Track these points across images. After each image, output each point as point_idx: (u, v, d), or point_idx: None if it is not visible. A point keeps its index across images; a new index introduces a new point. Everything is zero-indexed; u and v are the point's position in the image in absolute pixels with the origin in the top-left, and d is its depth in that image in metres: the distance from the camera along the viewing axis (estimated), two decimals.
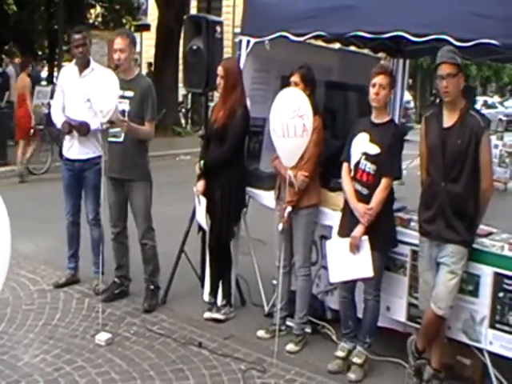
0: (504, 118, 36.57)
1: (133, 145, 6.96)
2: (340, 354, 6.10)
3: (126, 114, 6.85)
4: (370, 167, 5.75)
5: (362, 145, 5.81)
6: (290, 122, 5.66)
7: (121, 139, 6.94)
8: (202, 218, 6.98)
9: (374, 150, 5.72)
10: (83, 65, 7.42)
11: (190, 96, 26.81)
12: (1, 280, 3.42)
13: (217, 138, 6.72)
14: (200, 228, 7.28)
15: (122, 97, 6.86)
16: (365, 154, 5.77)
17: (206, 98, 8.21)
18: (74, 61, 7.62)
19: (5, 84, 18.71)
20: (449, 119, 5.36)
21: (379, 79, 5.71)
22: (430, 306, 5.39)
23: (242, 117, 6.63)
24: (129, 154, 6.97)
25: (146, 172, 7.14)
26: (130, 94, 6.93)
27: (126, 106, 6.88)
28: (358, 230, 5.73)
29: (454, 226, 5.31)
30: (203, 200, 6.83)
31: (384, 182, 5.70)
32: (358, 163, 5.83)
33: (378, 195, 5.68)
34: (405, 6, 5.70)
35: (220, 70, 6.67)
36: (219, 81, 6.68)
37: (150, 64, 22.16)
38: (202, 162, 6.78)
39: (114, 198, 7.21)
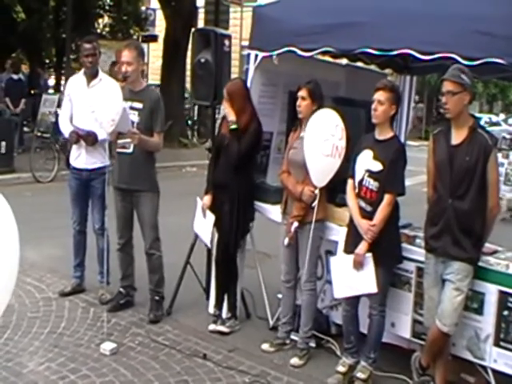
0: (508, 136, 36.50)
1: (142, 156, 6.99)
2: (341, 368, 6.10)
3: (135, 125, 6.88)
4: (372, 184, 5.76)
5: (365, 162, 5.83)
6: (339, 144, 5.81)
7: (130, 150, 6.97)
8: (204, 231, 6.98)
9: (377, 167, 5.74)
10: (92, 75, 7.47)
11: (196, 108, 26.85)
12: (10, 289, 3.45)
13: (226, 151, 6.75)
14: None
15: (131, 108, 6.91)
16: (368, 171, 5.79)
17: (213, 110, 8.26)
18: (82, 70, 7.66)
19: (21, 91, 18.84)
20: (457, 137, 5.39)
21: (378, 95, 5.74)
22: (435, 323, 5.41)
23: (254, 130, 6.69)
24: (138, 165, 7.01)
25: (153, 183, 7.18)
26: (139, 105, 6.97)
27: (134, 117, 6.92)
28: (362, 247, 5.74)
29: (461, 242, 5.33)
30: (210, 215, 6.86)
31: (387, 198, 5.70)
32: (361, 180, 5.85)
33: (381, 212, 5.69)
34: (413, 24, 5.72)
35: (225, 92, 6.74)
36: (224, 103, 6.74)
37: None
38: (234, 125, 6.69)
39: (121, 208, 7.23)
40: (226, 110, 6.74)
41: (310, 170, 5.97)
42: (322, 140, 5.83)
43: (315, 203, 6.04)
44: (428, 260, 5.60)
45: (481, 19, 5.37)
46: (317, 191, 6.07)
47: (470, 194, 5.29)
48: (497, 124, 39.27)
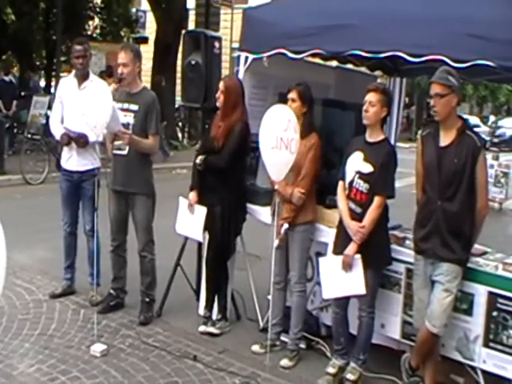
0: (488, 138, 36.24)
1: (137, 158, 7.00)
2: (331, 370, 6.12)
3: (131, 127, 6.90)
4: (363, 186, 5.78)
5: (356, 163, 5.85)
6: (284, 135, 5.79)
7: (125, 152, 6.98)
8: (194, 228, 6.91)
9: (367, 168, 5.76)
10: (82, 76, 7.45)
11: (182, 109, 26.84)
12: None
13: (215, 154, 6.75)
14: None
15: (127, 110, 6.96)
16: (358, 172, 5.80)
17: (204, 112, 8.26)
18: (73, 72, 7.65)
19: (12, 92, 18.84)
20: (445, 138, 5.42)
21: (369, 96, 5.76)
22: (425, 324, 5.43)
23: (240, 131, 6.68)
24: (132, 167, 7.01)
25: (149, 186, 7.17)
26: (134, 107, 6.98)
27: (130, 119, 6.94)
28: (351, 249, 5.75)
29: (450, 244, 5.35)
30: (200, 209, 6.83)
31: (377, 200, 5.72)
32: (352, 182, 5.86)
33: (371, 214, 5.71)
34: (402, 26, 5.75)
35: (221, 85, 6.73)
36: (219, 95, 6.73)
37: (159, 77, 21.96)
38: (202, 157, 6.78)
39: (115, 210, 7.23)
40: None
41: (265, 165, 6.04)
42: (267, 134, 5.91)
43: (276, 201, 6.15)
44: (417, 261, 5.62)
45: (471, 22, 5.41)
46: (277, 186, 6.13)
47: (458, 196, 5.32)
48: (475, 126, 39.20)
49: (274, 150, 5.87)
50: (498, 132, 39.73)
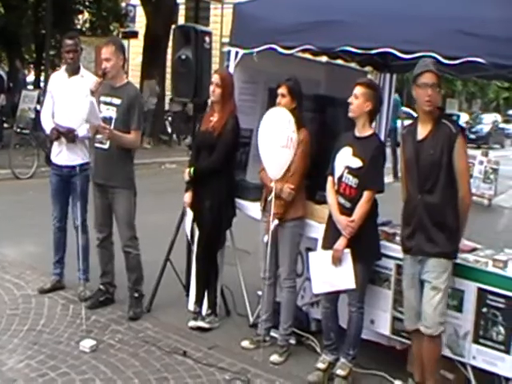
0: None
1: (118, 152, 6.96)
2: (320, 365, 6.11)
3: (113, 121, 6.88)
4: (352, 181, 5.77)
5: (345, 158, 5.85)
6: (293, 136, 5.90)
7: (106, 146, 6.95)
8: (187, 227, 6.96)
9: (356, 163, 5.75)
10: (73, 71, 7.42)
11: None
12: None
13: (210, 148, 6.73)
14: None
15: (110, 104, 6.93)
16: (347, 167, 5.80)
17: (195, 107, 8.21)
18: (63, 67, 7.63)
19: (1, 87, 18.79)
20: (422, 131, 5.42)
21: (355, 90, 5.78)
22: (419, 328, 5.44)
23: (232, 127, 6.68)
24: (113, 161, 6.98)
25: (129, 180, 7.14)
26: (117, 101, 6.94)
27: (112, 113, 6.91)
28: (340, 243, 5.74)
29: (434, 238, 5.33)
30: (189, 212, 6.82)
31: (366, 195, 5.72)
32: (341, 177, 5.86)
33: (360, 208, 5.70)
34: (393, 23, 5.74)
35: (216, 78, 6.71)
36: (214, 88, 6.70)
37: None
38: (191, 169, 6.80)
39: (98, 203, 7.19)
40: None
41: (266, 164, 6.05)
42: (277, 132, 5.89)
43: (271, 197, 6.12)
44: (405, 261, 5.63)
45: (461, 19, 5.41)
46: (272, 184, 6.11)
47: (438, 187, 5.30)
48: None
49: (283, 149, 5.88)
50: (475, 128, 39.45)
